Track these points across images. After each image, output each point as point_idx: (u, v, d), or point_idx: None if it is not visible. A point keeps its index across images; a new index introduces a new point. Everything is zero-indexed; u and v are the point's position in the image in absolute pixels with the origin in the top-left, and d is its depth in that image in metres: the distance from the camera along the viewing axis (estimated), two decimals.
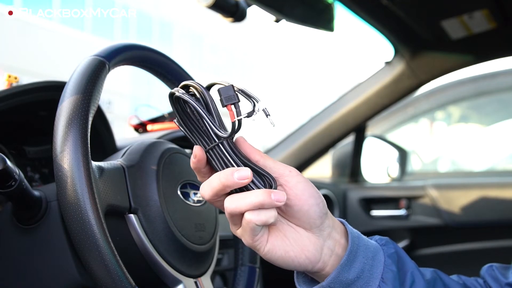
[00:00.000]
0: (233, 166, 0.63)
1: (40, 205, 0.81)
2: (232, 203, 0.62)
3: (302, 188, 0.66)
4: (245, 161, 0.64)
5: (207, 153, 0.65)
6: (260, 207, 0.62)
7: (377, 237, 0.74)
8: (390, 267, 0.69)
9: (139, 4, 18.26)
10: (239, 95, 0.62)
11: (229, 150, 0.64)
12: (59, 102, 0.74)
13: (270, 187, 0.64)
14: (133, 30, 18.44)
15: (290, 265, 0.67)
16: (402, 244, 2.17)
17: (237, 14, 1.24)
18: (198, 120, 0.64)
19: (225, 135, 0.62)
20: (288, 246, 0.67)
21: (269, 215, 0.63)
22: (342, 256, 0.68)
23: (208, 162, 0.65)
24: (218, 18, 1.26)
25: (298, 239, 0.68)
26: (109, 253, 0.69)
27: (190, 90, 0.64)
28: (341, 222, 0.72)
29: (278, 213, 0.66)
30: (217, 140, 0.63)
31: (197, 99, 0.63)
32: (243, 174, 0.61)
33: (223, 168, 0.64)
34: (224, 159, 0.64)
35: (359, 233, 0.72)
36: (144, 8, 18.85)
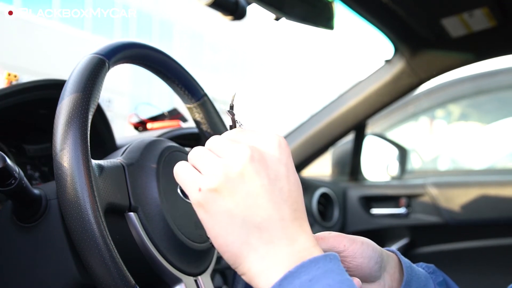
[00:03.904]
0: None
1: (40, 203, 0.81)
2: None
3: (360, 256, 0.67)
4: None
5: None
6: None
7: (423, 264, 0.75)
8: None
9: (139, 3, 18.25)
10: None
11: None
12: (59, 101, 0.74)
13: None
14: (133, 28, 18.42)
15: None
16: (402, 242, 2.17)
17: (237, 13, 1.24)
18: None
19: None
20: None
21: None
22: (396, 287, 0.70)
23: None
24: (218, 16, 1.26)
25: None
26: (109, 251, 0.69)
27: None
28: (393, 252, 0.73)
29: None
30: None
31: None
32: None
33: None
34: None
35: (410, 262, 0.72)
36: (144, 7, 18.83)
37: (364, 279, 0.68)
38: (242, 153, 0.53)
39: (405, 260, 0.71)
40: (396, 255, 0.72)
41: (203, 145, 0.59)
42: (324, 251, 0.65)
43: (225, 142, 0.56)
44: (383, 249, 0.71)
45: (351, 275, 0.67)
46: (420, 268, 0.73)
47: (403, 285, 0.68)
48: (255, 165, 0.53)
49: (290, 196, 0.53)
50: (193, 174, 0.56)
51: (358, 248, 0.67)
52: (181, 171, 0.58)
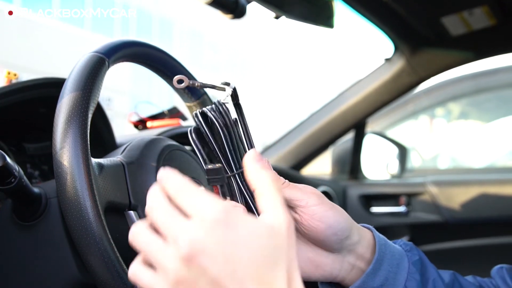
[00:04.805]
0: (245, 198, 0.63)
1: (40, 202, 0.81)
2: None
3: (318, 219, 0.64)
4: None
5: (231, 177, 0.63)
6: None
7: (401, 241, 0.73)
8: (414, 275, 0.69)
9: (139, 2, 18.24)
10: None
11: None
12: (59, 99, 0.74)
13: None
14: (133, 27, 18.42)
15: (309, 279, 0.67)
16: None
17: (237, 11, 1.24)
18: (235, 138, 0.63)
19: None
20: (301, 268, 0.66)
21: None
22: (364, 269, 0.68)
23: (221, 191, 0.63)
24: (217, 15, 1.26)
25: (314, 258, 0.67)
26: (109, 249, 0.69)
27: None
28: (369, 229, 0.71)
29: (297, 232, 0.66)
30: (238, 169, 0.63)
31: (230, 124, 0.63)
32: None
33: (245, 194, 0.63)
34: (242, 189, 0.64)
35: (386, 239, 0.70)
36: (144, 6, 18.83)
37: (317, 243, 0.66)
38: (175, 255, 0.46)
39: (380, 237, 0.69)
40: (372, 231, 0.70)
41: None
42: (287, 199, 0.64)
43: (166, 222, 0.48)
44: (360, 228, 0.68)
45: (304, 233, 0.65)
46: (396, 246, 0.71)
47: (373, 262, 0.66)
48: (191, 270, 0.46)
49: None
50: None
51: (322, 211, 0.64)
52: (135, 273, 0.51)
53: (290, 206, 0.65)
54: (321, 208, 0.65)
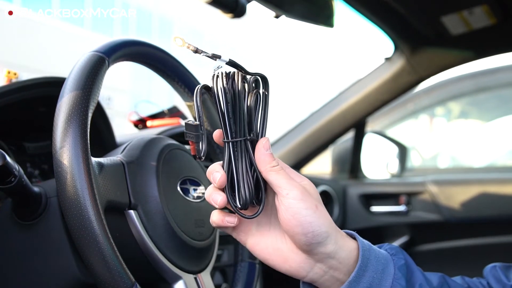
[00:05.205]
0: (232, 170, 0.64)
1: (39, 201, 0.81)
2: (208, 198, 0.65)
3: (291, 214, 0.62)
4: (254, 166, 0.64)
5: (226, 143, 0.64)
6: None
7: (387, 245, 0.71)
8: (399, 280, 0.66)
9: (139, 2, 18.23)
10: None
11: (250, 150, 0.64)
12: (59, 98, 0.74)
13: (244, 205, 0.64)
14: (133, 26, 18.41)
15: (274, 268, 0.67)
16: (402, 240, 2.17)
17: (237, 10, 1.24)
18: (238, 110, 0.63)
19: (253, 137, 0.64)
20: (270, 254, 0.67)
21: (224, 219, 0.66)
22: (339, 277, 0.66)
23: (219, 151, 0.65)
24: (218, 14, 1.26)
25: (285, 251, 0.66)
26: (109, 249, 0.69)
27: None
28: (352, 236, 0.68)
29: (277, 219, 0.66)
30: (244, 137, 0.63)
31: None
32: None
33: (232, 164, 0.64)
34: (241, 155, 0.64)
35: (370, 244, 0.68)
36: (144, 5, 18.82)
37: (290, 238, 0.65)
38: None
39: (364, 243, 0.67)
40: (356, 238, 0.68)
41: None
42: (272, 184, 0.64)
43: None
44: (341, 238, 0.66)
45: (280, 222, 0.64)
46: (382, 250, 0.69)
47: (356, 270, 0.64)
48: None
49: None
50: None
51: (298, 207, 0.62)
52: None
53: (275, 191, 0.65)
54: (299, 204, 0.62)
